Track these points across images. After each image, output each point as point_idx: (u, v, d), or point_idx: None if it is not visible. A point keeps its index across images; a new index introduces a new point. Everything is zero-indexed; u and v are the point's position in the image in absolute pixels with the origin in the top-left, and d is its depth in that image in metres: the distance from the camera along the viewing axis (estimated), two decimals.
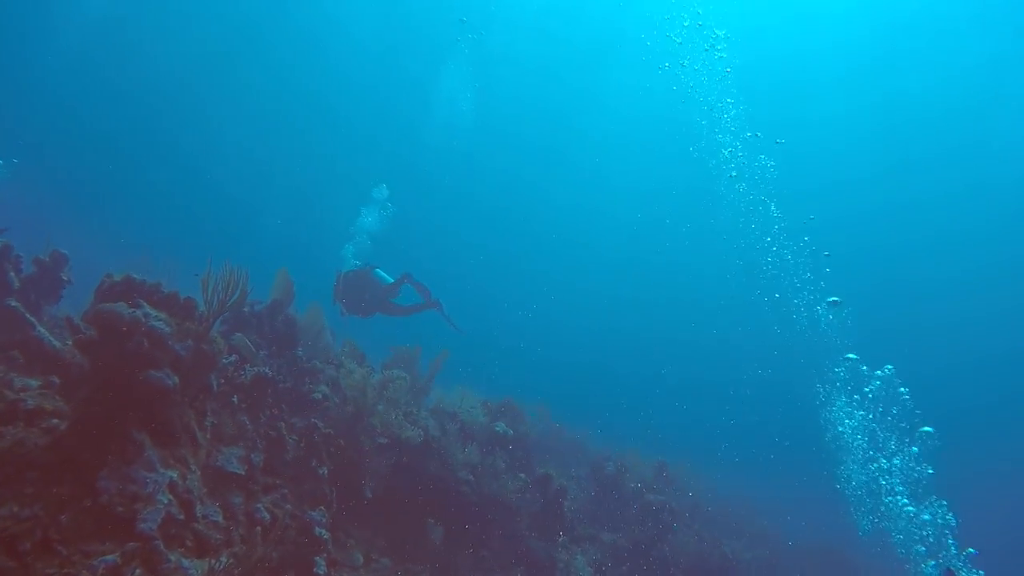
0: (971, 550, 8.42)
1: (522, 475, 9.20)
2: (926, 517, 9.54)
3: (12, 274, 6.26)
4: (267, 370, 5.70)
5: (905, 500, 9.83)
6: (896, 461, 10.21)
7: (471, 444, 8.25)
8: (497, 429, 9.08)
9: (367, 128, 35.11)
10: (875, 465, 10.47)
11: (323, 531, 5.11)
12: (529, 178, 39.51)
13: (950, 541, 9.03)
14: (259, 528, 4.66)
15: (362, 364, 8.27)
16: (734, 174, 17.34)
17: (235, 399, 5.28)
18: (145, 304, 4.45)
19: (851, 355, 11.35)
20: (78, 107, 29.66)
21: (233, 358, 5.64)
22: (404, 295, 10.32)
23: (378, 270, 10.06)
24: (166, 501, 4.13)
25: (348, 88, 33.86)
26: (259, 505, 5.06)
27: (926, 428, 10.42)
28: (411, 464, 7.73)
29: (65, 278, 6.59)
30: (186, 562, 4.09)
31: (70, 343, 5.01)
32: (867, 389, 10.91)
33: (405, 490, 7.64)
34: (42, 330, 5.03)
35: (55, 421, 4.54)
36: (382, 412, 6.93)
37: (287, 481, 5.43)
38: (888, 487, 10.10)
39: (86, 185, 30.57)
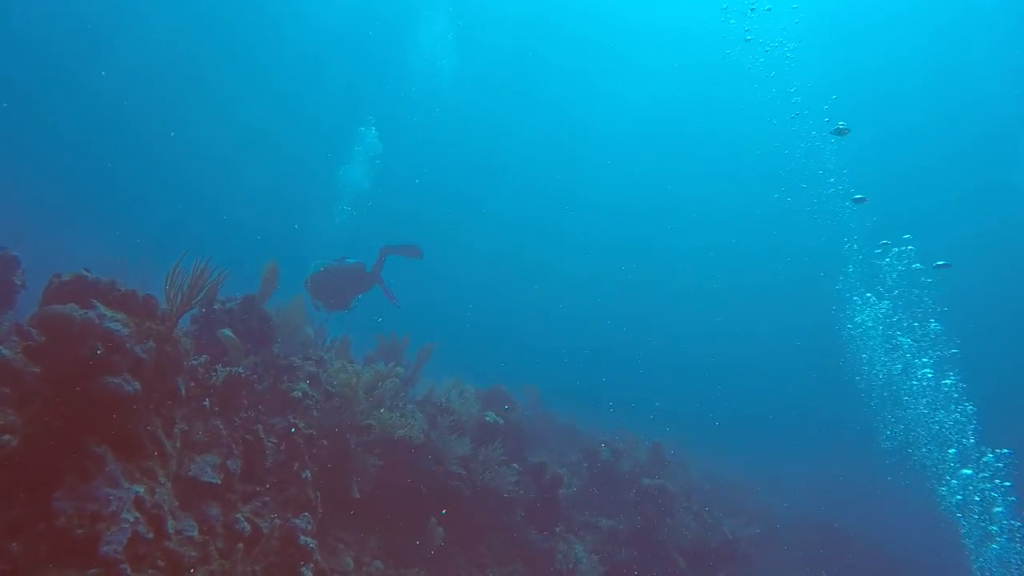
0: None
1: (515, 465, 8.91)
2: (948, 382, 9.24)
3: None
4: (240, 369, 5.31)
5: (929, 371, 9.52)
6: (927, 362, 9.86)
7: (463, 436, 7.93)
8: (487, 419, 8.78)
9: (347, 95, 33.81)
10: (898, 356, 10.18)
11: (308, 539, 4.76)
12: (513, 154, 38.79)
13: (971, 439, 8.80)
14: (240, 543, 4.30)
15: (344, 357, 7.90)
16: (748, 38, 16.61)
17: (207, 403, 4.90)
18: (99, 304, 4.04)
19: (858, 196, 10.99)
20: (40, 104, 28.61)
21: (203, 358, 5.24)
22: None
23: (348, 259, 9.71)
24: (132, 519, 3.75)
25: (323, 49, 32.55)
26: (238, 516, 4.70)
27: (940, 262, 10.14)
28: (400, 461, 7.40)
29: (18, 282, 6.14)
30: None
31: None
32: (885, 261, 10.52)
33: (395, 488, 7.32)
34: None
35: (6, 437, 4.12)
36: (369, 410, 6.57)
37: (268, 488, 5.06)
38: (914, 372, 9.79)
39: (56, 186, 29.61)
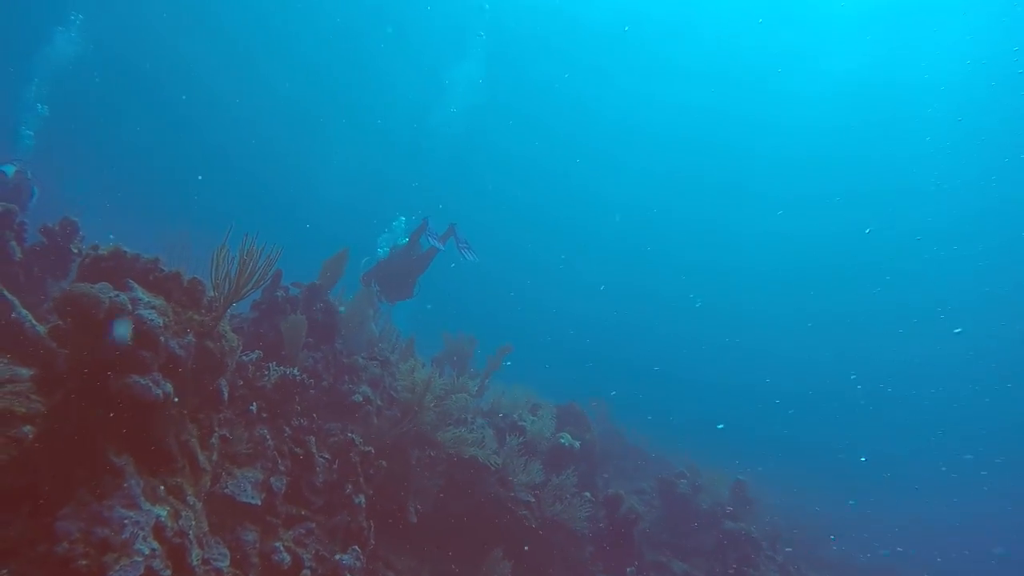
0: None
1: (587, 494, 8.01)
2: None
3: (13, 243, 5.38)
4: (296, 371, 4.63)
5: None
6: None
7: (534, 460, 7.09)
8: (562, 442, 7.90)
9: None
10: None
11: None
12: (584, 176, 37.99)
13: None
14: None
15: (410, 359, 7.19)
16: None
17: (254, 407, 4.23)
18: (137, 286, 3.40)
19: None
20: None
21: (255, 355, 4.58)
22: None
23: (400, 242, 9.12)
24: (148, 551, 3.08)
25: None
26: (278, 544, 4.00)
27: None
28: (463, 481, 6.63)
29: (75, 250, 5.69)
30: None
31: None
32: None
33: (455, 511, 6.55)
34: (23, 312, 4.06)
35: (25, 429, 3.56)
36: (436, 422, 5.81)
37: (315, 512, 4.36)
38: None
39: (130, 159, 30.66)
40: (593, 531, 7.83)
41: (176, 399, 3.36)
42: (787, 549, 11.07)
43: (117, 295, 3.20)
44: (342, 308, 6.85)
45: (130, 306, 3.20)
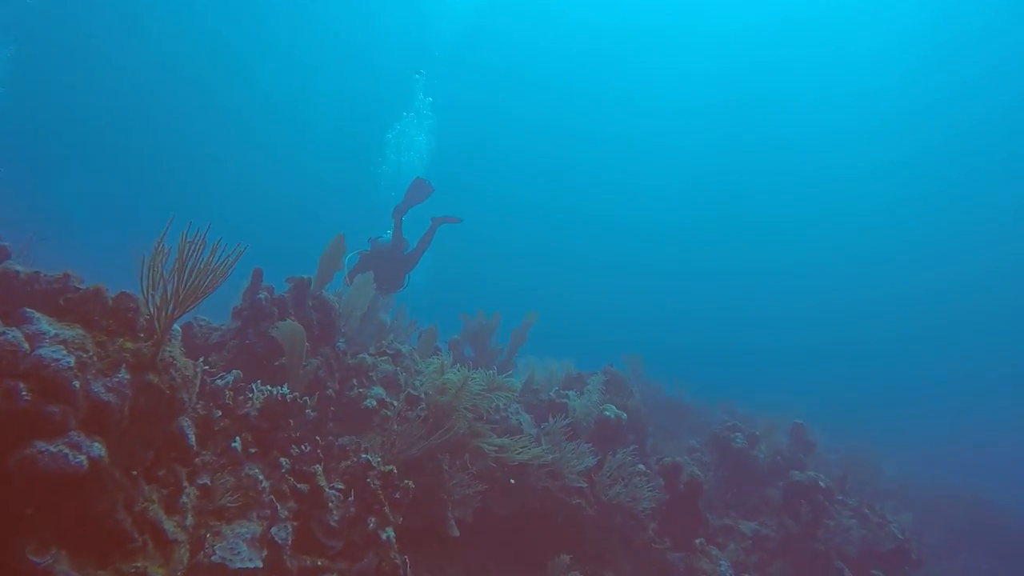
0: None
1: (641, 465, 7.19)
2: None
3: None
4: (284, 389, 3.73)
5: None
6: None
7: (582, 440, 6.23)
8: (607, 414, 7.03)
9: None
10: None
11: None
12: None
13: None
14: None
15: (431, 350, 6.31)
16: None
17: (237, 443, 3.34)
18: (39, 316, 2.48)
19: None
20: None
21: (232, 376, 3.68)
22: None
23: (383, 237, 8.59)
24: None
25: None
26: None
27: None
28: (507, 479, 5.78)
29: None
30: None
31: None
32: None
33: (502, 515, 5.72)
34: None
35: None
36: (471, 427, 4.94)
37: (334, 559, 3.50)
38: None
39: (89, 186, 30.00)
40: (653, 505, 7.02)
41: (116, 459, 2.47)
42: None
43: (3, 332, 2.28)
44: (338, 301, 5.94)
45: (23, 345, 2.29)
